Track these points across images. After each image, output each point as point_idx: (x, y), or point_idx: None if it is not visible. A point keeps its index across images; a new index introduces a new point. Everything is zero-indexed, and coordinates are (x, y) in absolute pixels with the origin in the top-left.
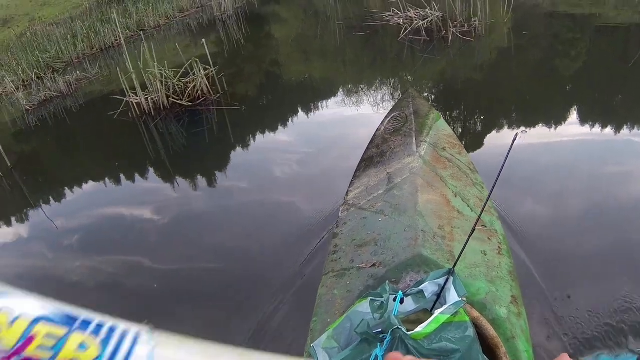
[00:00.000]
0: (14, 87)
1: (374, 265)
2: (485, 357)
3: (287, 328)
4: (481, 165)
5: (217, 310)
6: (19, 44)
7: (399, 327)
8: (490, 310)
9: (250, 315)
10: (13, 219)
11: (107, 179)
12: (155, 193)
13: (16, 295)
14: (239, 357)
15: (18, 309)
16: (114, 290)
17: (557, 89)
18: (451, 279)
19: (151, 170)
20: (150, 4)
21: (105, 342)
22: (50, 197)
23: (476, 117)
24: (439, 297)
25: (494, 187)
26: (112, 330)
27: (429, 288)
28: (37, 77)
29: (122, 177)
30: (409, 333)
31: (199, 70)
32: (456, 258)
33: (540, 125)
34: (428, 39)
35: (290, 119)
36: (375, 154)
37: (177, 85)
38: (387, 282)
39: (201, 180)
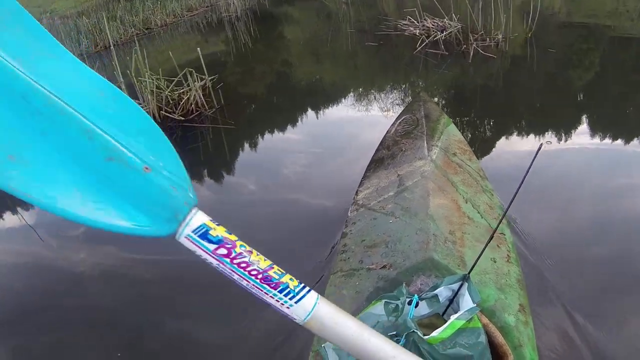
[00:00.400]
0: None
1: (384, 266)
2: None
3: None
4: (489, 172)
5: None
6: None
7: (415, 330)
8: (499, 318)
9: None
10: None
11: None
12: None
13: None
14: (383, 343)
15: None
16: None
17: (579, 104)
18: (465, 284)
19: None
20: (159, 2)
21: (300, 283)
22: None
23: (486, 123)
24: (452, 302)
25: (515, 195)
26: (303, 285)
27: (443, 293)
28: None
29: None
30: (425, 337)
31: (194, 82)
32: (468, 264)
33: (559, 135)
34: (447, 53)
35: (293, 128)
36: (386, 155)
37: (170, 96)
38: (404, 284)
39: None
